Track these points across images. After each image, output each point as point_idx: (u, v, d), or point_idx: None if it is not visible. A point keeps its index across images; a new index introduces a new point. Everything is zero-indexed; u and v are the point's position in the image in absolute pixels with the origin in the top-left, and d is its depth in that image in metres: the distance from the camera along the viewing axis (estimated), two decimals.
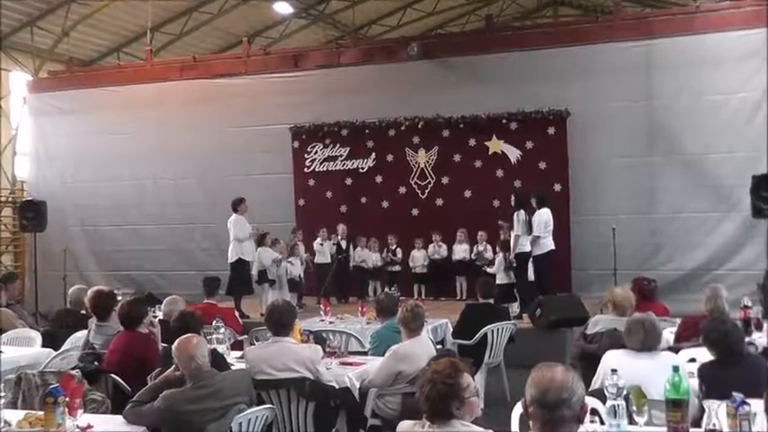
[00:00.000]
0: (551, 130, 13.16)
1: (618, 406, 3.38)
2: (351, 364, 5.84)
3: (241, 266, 11.59)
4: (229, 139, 14.84)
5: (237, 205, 11.78)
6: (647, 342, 4.45)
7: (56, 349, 6.39)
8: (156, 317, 6.47)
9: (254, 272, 11.78)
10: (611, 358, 4.42)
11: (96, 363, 5.44)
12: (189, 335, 4.48)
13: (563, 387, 2.75)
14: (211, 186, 15.02)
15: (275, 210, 14.17)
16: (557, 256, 11.05)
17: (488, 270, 11.53)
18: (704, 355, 4.77)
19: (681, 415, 3.45)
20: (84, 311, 7.11)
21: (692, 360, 4.99)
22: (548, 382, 2.76)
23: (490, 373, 7.78)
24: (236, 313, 9.20)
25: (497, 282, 10.61)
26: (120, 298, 6.42)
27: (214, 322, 6.26)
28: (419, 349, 5.40)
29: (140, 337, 5.51)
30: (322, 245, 13.27)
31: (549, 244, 10.68)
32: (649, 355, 4.42)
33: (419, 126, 13.90)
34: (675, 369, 3.55)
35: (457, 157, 13.77)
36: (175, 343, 4.34)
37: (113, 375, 5.19)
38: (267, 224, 12.66)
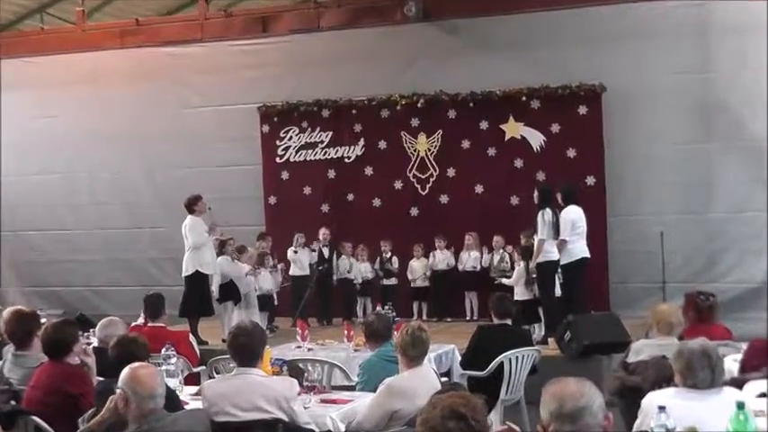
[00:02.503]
0: (583, 110, 13.17)
1: None
2: (334, 401, 5.83)
3: (198, 280, 11.54)
4: (183, 122, 14.83)
5: (194, 204, 11.72)
6: (713, 380, 4.43)
7: None
8: (89, 344, 6.43)
9: (215, 287, 11.74)
10: (660, 399, 4.39)
11: (13, 402, 5.40)
12: (143, 363, 4.46)
13: (580, 394, 3.07)
14: (161, 181, 15.02)
15: (240, 210, 14.17)
16: (590, 266, 11.03)
17: (505, 283, 11.51)
18: None
19: None
20: None
21: (763, 395, 4.96)
22: (562, 393, 3.06)
23: (508, 413, 7.77)
24: (192, 339, 9.16)
25: (517, 298, 10.62)
26: (44, 320, 6.37)
27: (163, 350, 6.22)
28: (419, 383, 5.37)
29: (69, 369, 5.47)
30: (297, 253, 13.24)
31: (579, 250, 10.66)
32: (708, 393, 4.40)
33: (418, 105, 13.88)
34: (740, 406, 3.53)
35: (465, 144, 13.77)
36: (129, 372, 4.27)
37: (35, 417, 5.15)
38: (230, 227, 12.64)
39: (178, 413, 4.56)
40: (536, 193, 10.94)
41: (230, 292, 11.77)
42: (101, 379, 5.39)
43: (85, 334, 7.56)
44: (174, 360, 6.12)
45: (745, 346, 6.33)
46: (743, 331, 7.55)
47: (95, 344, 6.67)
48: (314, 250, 13.35)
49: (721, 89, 12.59)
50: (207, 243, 11.60)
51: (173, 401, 4.87)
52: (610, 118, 13.06)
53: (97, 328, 6.99)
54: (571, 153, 13.22)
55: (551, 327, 10.38)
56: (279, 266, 12.94)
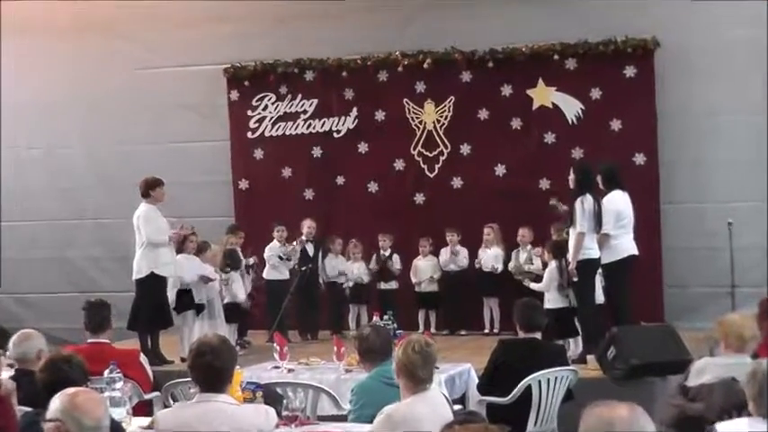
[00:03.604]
0: (630, 72, 13.19)
1: None
2: None
3: (154, 285, 11.51)
4: (133, 86, 14.85)
5: (150, 189, 11.65)
6: None
7: None
8: (11, 365, 6.38)
9: (172, 293, 11.72)
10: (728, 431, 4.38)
11: None
12: (82, 389, 4.40)
13: (633, 419, 3.24)
14: (106, 160, 15.08)
15: (204, 196, 14.28)
16: (640, 266, 11.05)
17: (533, 287, 11.51)
18: None
19: None
20: None
21: None
22: (611, 415, 3.25)
23: None
24: (143, 358, 9.13)
25: (548, 306, 10.62)
26: None
27: (106, 372, 6.23)
28: (426, 412, 5.35)
29: None
30: (277, 253, 13.22)
31: (625, 246, 10.69)
32: None
33: (425, 66, 13.89)
34: None
35: (483, 114, 13.79)
36: (65, 399, 4.19)
37: None
38: (191, 219, 12.59)
39: None
40: (572, 176, 10.91)
41: (191, 299, 11.75)
42: (27, 410, 5.34)
43: (7, 354, 7.52)
44: (120, 384, 6.12)
45: None
46: None
47: (17, 365, 6.61)
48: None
49: None
50: (165, 239, 11.55)
51: None
52: (664, 81, 13.08)
53: (10, 344, 6.92)
54: (615, 125, 13.23)
55: (591, 341, 10.38)
56: (251, 260, 12.96)
